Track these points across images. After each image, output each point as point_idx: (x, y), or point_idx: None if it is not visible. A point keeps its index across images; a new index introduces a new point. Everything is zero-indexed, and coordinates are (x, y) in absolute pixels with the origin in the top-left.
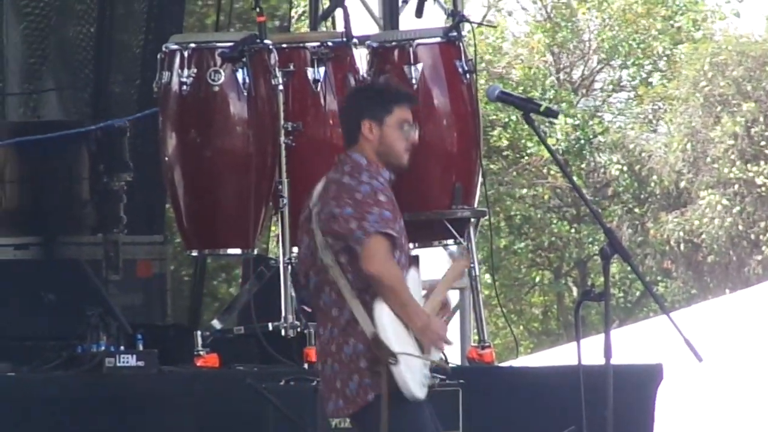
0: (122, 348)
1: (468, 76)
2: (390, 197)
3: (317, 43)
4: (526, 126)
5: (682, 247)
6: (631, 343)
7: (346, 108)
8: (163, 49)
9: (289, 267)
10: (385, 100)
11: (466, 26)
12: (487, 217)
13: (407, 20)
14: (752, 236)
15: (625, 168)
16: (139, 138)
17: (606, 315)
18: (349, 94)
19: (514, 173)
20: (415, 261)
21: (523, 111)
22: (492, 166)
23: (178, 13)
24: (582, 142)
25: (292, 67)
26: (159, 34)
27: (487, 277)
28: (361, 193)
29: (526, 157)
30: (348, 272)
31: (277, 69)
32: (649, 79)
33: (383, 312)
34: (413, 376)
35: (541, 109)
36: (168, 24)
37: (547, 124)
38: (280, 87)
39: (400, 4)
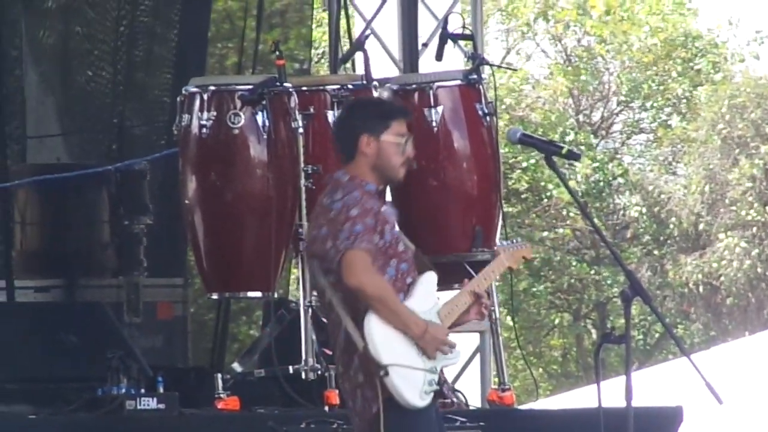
0: (143, 390)
1: (488, 118)
2: (368, 208)
3: (337, 86)
4: (546, 169)
5: (701, 289)
6: (651, 386)
7: (343, 123)
8: (183, 91)
9: (310, 310)
10: (382, 114)
11: (486, 69)
12: None
13: (427, 63)
14: None
15: (644, 210)
16: (158, 181)
17: (627, 357)
18: (345, 110)
19: (534, 216)
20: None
21: (544, 153)
22: (511, 209)
23: (201, 55)
24: (601, 184)
25: (312, 110)
26: (183, 77)
27: (507, 320)
28: (334, 211)
29: (546, 200)
30: (338, 290)
31: (296, 112)
32: (669, 122)
33: (371, 323)
34: (408, 386)
35: (563, 151)
36: (192, 66)
37: (566, 166)
38: (300, 130)
39: (420, 46)
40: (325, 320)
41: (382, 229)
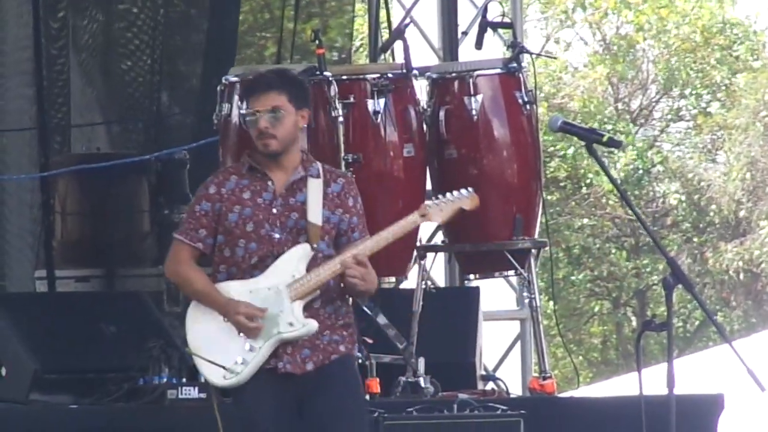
0: (184, 380)
1: (528, 107)
2: (208, 194)
3: (377, 75)
4: (585, 157)
5: (741, 276)
6: (692, 373)
7: None
8: (223, 81)
9: (350, 300)
10: (243, 97)
11: (526, 57)
12: (547, 248)
13: (467, 51)
14: None
15: (683, 197)
16: (198, 170)
17: (669, 345)
18: None
19: (573, 204)
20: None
21: (585, 141)
22: (550, 197)
23: (232, 43)
24: (641, 171)
25: (352, 99)
26: (216, 65)
27: (549, 305)
28: None
29: (585, 188)
30: None
31: (337, 101)
32: (708, 109)
33: (189, 309)
34: (206, 367)
35: (604, 139)
36: (224, 55)
37: (606, 154)
38: (341, 119)
39: (459, 35)
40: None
41: (227, 210)
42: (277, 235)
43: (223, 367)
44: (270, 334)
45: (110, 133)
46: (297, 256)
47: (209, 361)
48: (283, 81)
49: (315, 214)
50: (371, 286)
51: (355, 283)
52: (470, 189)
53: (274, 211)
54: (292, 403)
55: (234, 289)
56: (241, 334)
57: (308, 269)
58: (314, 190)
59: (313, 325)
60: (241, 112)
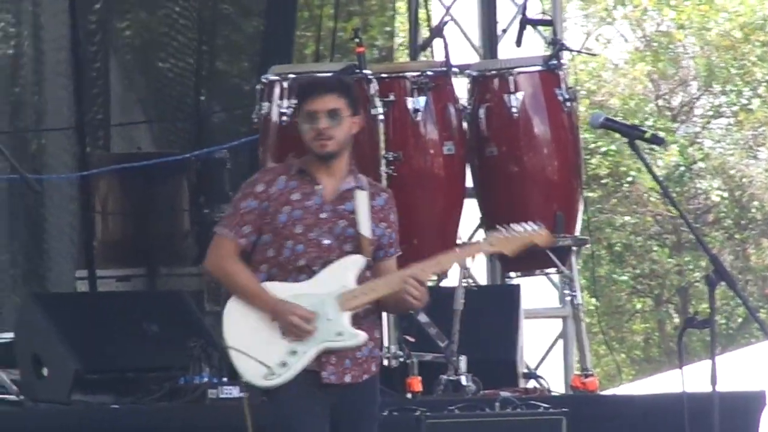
0: (225, 379)
1: (568, 104)
2: (256, 191)
3: (417, 73)
4: (627, 154)
5: None
6: (734, 370)
7: None
8: (263, 79)
9: None
10: (299, 98)
11: (566, 54)
12: (588, 246)
13: (506, 49)
14: None
15: (725, 194)
16: (239, 169)
17: (712, 342)
18: None
19: (615, 201)
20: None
21: (628, 138)
22: (592, 194)
23: (287, 43)
24: (682, 168)
25: (392, 97)
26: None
27: (592, 301)
28: None
29: (626, 185)
30: None
31: (377, 99)
32: (749, 105)
33: (228, 304)
34: (245, 367)
35: (647, 135)
36: (277, 55)
37: (647, 150)
38: (381, 117)
39: (499, 33)
40: None
41: (275, 210)
42: (326, 241)
43: (266, 366)
44: (316, 341)
45: (152, 133)
46: (348, 267)
47: (253, 359)
48: (342, 86)
49: (366, 226)
50: (421, 306)
51: (413, 303)
52: (540, 224)
53: (323, 216)
54: (326, 410)
55: (278, 291)
56: (285, 337)
57: (357, 281)
58: (362, 201)
59: (362, 336)
60: (304, 111)
